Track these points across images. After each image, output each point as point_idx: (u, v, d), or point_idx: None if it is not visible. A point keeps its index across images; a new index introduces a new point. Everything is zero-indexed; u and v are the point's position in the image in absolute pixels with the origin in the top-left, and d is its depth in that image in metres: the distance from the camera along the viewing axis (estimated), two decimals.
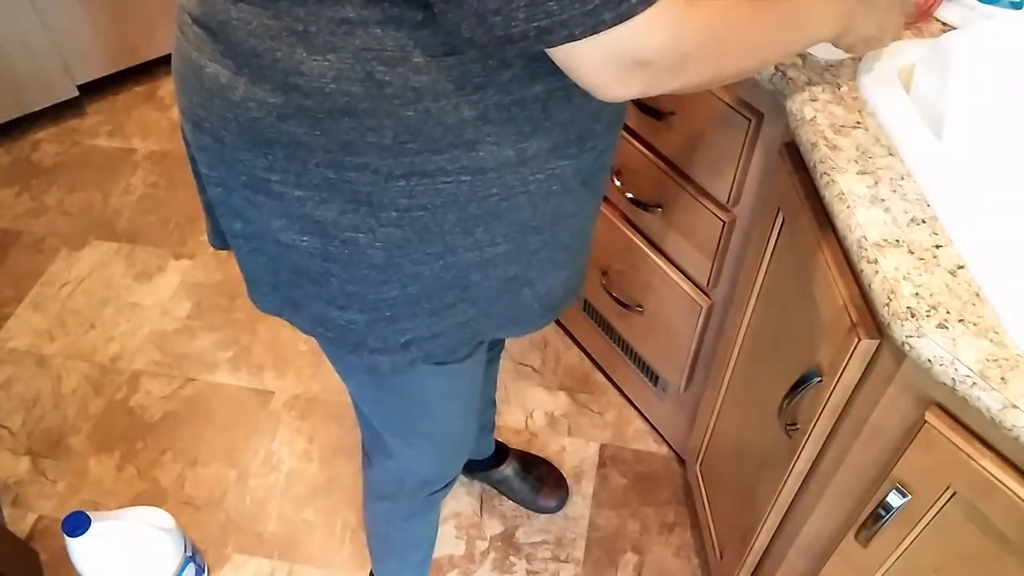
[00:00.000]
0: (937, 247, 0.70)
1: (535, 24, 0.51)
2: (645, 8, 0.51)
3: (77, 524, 1.17)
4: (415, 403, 0.90)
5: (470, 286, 0.73)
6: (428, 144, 0.62)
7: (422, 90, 0.59)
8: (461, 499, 1.51)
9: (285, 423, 1.64)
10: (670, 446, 1.58)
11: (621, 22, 0.51)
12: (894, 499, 0.74)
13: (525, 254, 0.74)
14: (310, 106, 0.60)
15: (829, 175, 0.76)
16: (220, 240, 0.83)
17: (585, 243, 0.83)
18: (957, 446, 0.66)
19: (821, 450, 0.87)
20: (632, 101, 1.11)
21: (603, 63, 0.54)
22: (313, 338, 0.82)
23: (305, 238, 0.69)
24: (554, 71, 0.59)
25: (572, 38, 0.52)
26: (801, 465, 0.90)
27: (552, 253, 0.77)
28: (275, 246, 0.72)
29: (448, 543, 1.46)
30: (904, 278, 0.67)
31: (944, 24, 0.93)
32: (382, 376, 0.84)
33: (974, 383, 0.61)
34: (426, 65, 0.58)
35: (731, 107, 0.97)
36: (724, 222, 1.08)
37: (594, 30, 0.51)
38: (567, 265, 0.81)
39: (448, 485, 1.10)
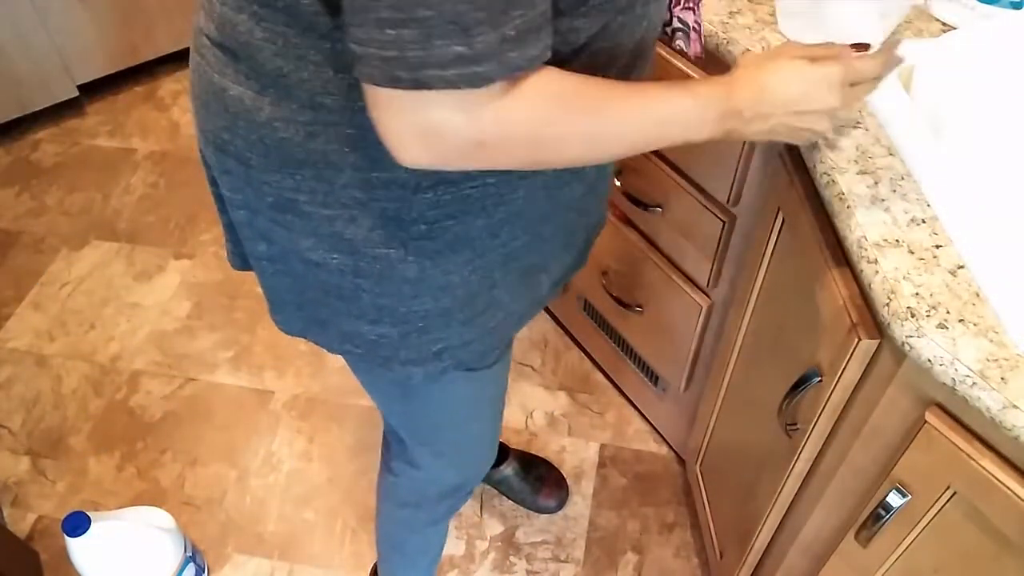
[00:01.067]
0: (937, 247, 0.70)
1: (352, 43, 0.48)
2: (444, 87, 0.48)
3: (77, 524, 1.17)
4: (445, 413, 0.89)
5: (496, 284, 0.73)
6: None
7: None
8: None
9: (285, 423, 1.64)
10: (670, 446, 1.58)
11: (417, 88, 0.48)
12: (894, 499, 0.74)
13: (538, 242, 0.74)
14: (338, 122, 0.60)
15: (829, 175, 0.76)
16: (241, 262, 0.82)
17: (589, 213, 0.83)
18: (957, 446, 0.66)
19: (821, 450, 0.87)
20: None
21: (398, 122, 0.51)
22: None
23: (335, 256, 0.68)
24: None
25: (373, 80, 0.49)
26: (801, 465, 0.90)
27: (564, 236, 0.77)
28: (302, 265, 0.71)
29: (448, 543, 1.45)
30: (904, 278, 0.67)
31: (944, 24, 0.93)
32: (413, 388, 0.84)
33: (974, 383, 0.61)
34: None
35: None
36: (724, 222, 1.08)
37: (391, 83, 0.48)
38: (575, 244, 0.82)
39: (470, 492, 1.10)
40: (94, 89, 2.35)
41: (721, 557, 1.25)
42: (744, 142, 0.98)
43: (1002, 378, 0.60)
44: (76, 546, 1.19)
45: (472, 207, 0.65)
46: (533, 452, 1.55)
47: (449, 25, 0.45)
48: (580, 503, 1.51)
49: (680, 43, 0.80)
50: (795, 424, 0.89)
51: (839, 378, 0.77)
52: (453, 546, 1.45)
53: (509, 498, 1.50)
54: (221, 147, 0.68)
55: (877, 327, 0.73)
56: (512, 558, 1.44)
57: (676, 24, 0.77)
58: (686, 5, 0.76)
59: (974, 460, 0.65)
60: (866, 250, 0.70)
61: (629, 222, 1.30)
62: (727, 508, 1.23)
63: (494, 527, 1.48)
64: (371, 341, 0.75)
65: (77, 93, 2.25)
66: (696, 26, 0.77)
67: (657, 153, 1.16)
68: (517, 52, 0.49)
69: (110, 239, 2.00)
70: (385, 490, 1.12)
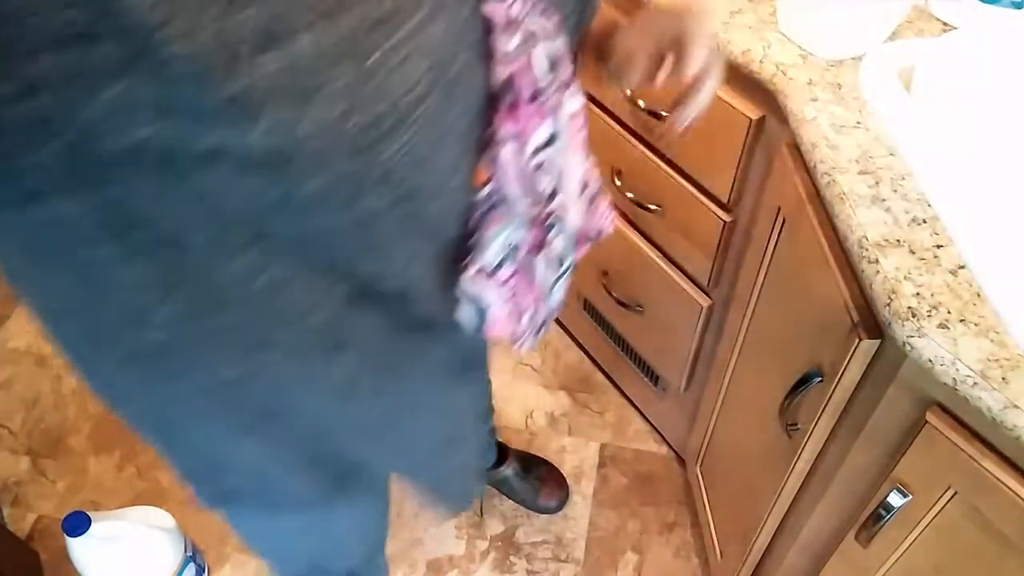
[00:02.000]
0: (938, 247, 0.70)
1: None
2: None
3: (77, 524, 1.17)
4: (282, 539, 0.79)
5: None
6: None
7: None
8: None
9: None
10: (670, 446, 1.58)
11: None
12: (895, 499, 0.74)
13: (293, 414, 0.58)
14: None
15: (830, 175, 0.76)
16: None
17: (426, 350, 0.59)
18: (958, 446, 0.66)
19: (822, 450, 0.87)
20: (633, 102, 1.11)
21: None
22: None
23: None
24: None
25: None
26: (802, 465, 0.90)
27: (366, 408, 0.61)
28: None
29: (448, 543, 1.46)
30: (905, 278, 0.67)
31: (944, 24, 0.93)
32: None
33: (975, 383, 0.61)
34: None
35: (731, 107, 0.97)
36: (724, 222, 1.08)
37: None
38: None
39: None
40: None
41: (721, 557, 1.25)
42: (745, 142, 0.98)
43: (1003, 378, 0.60)
44: (76, 546, 1.19)
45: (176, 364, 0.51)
46: (533, 452, 1.55)
47: None
48: (580, 503, 1.51)
49: (465, 316, 0.56)
50: (796, 424, 0.89)
51: (840, 378, 0.77)
52: (453, 546, 1.45)
53: (509, 498, 1.50)
54: None
55: (878, 327, 0.72)
56: (512, 558, 1.44)
57: (461, 296, 0.55)
58: (488, 272, 0.53)
59: (975, 460, 0.65)
60: (867, 250, 0.70)
61: (629, 222, 1.30)
62: (727, 508, 1.23)
63: (494, 527, 1.48)
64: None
65: None
66: (500, 302, 0.55)
67: (657, 153, 1.16)
68: None
69: None
70: None
